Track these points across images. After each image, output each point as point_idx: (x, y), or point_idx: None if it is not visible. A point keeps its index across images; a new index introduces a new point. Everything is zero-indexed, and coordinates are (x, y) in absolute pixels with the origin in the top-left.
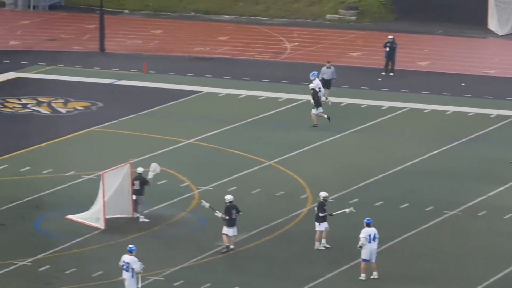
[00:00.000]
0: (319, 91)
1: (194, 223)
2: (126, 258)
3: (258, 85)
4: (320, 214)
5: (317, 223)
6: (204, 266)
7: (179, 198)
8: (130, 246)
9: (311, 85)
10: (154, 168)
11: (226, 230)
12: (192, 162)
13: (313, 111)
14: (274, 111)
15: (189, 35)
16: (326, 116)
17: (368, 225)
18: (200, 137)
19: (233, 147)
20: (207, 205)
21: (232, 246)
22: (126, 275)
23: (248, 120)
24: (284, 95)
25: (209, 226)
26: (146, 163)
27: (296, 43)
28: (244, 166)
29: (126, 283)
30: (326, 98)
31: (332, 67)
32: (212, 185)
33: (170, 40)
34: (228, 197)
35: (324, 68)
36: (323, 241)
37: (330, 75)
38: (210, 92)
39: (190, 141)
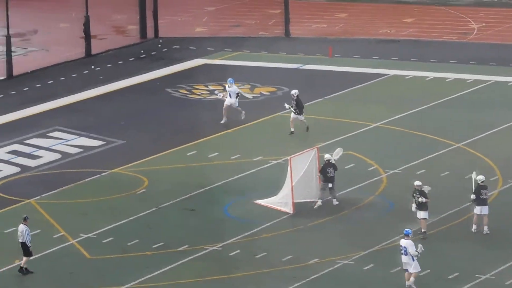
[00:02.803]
0: (231, 97)
1: (382, 207)
2: (402, 242)
3: (445, 66)
4: (481, 197)
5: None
6: (394, 249)
7: (367, 181)
8: (406, 229)
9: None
10: (337, 152)
11: (421, 214)
12: (380, 145)
13: (298, 117)
14: (462, 93)
15: (374, 17)
16: (306, 125)
17: None
18: (387, 120)
19: (421, 130)
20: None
21: (423, 230)
22: (404, 258)
23: (436, 102)
24: (472, 76)
25: (398, 209)
26: (333, 147)
27: (483, 24)
28: (432, 148)
29: (406, 266)
30: (238, 109)
31: None
32: (400, 168)
33: (355, 23)
34: (416, 183)
35: None
36: (485, 228)
37: None
38: (396, 75)
39: (377, 124)
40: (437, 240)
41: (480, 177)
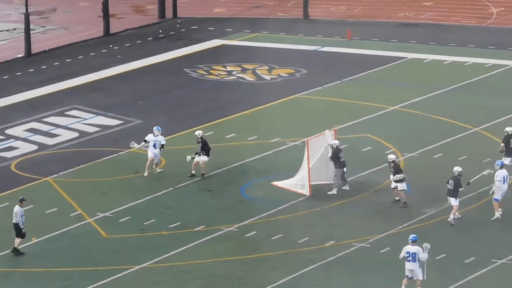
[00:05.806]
0: (156, 147)
1: None
2: (410, 248)
3: (464, 50)
4: (460, 189)
5: (453, 199)
6: (410, 233)
7: (384, 164)
8: (413, 236)
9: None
10: (328, 134)
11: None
12: (397, 128)
13: (201, 159)
14: (480, 77)
15: (393, 1)
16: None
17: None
18: (405, 103)
19: (439, 114)
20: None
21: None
22: (412, 266)
23: (454, 86)
24: (491, 61)
25: (415, 193)
26: (350, 130)
27: (502, 8)
28: (450, 132)
29: (412, 274)
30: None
31: None
32: (417, 152)
33: (374, 6)
34: (456, 169)
35: None
36: (457, 213)
37: None
38: (415, 58)
39: (395, 107)
40: (451, 226)
41: (457, 168)
